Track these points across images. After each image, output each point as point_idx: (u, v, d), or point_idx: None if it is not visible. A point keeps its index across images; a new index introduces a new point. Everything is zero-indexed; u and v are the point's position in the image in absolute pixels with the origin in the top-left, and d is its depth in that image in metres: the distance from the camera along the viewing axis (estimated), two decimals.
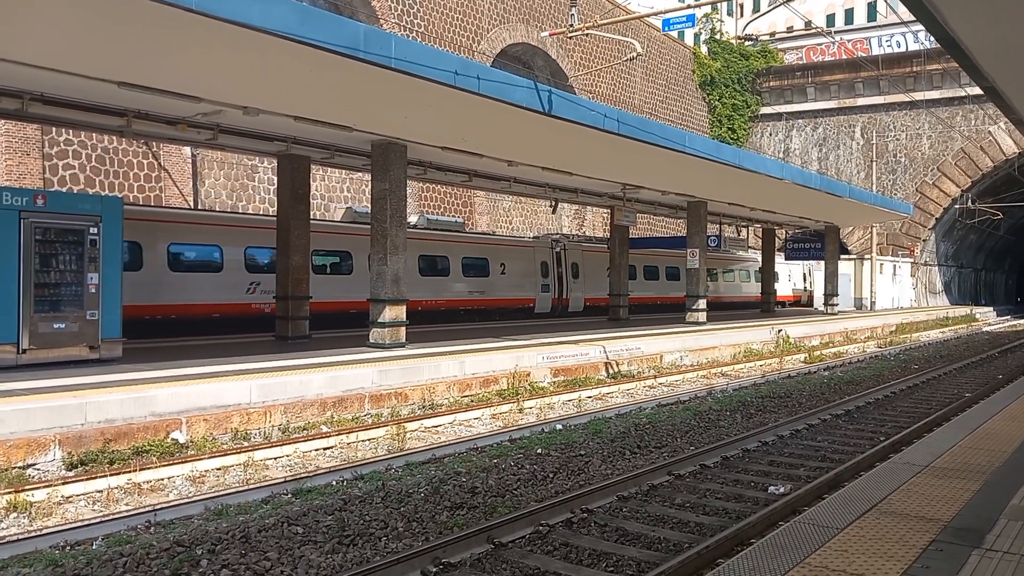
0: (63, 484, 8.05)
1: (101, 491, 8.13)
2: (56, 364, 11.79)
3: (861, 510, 5.37)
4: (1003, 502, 5.57)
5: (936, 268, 50.28)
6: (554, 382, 15.62)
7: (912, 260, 46.62)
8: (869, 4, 55.09)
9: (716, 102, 50.16)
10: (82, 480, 8.23)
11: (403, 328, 15.90)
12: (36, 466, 8.65)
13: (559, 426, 11.72)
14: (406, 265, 16.11)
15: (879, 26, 51.18)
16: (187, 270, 17.84)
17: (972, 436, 7.95)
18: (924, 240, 46.37)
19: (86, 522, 7.28)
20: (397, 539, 6.61)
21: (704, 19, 50.80)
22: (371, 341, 15.71)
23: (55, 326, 11.89)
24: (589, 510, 7.36)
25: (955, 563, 4.38)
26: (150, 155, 22.59)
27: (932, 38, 8.62)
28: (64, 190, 19.71)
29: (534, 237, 30.33)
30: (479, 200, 34.16)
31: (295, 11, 9.91)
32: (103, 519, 7.35)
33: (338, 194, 28.40)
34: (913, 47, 46.50)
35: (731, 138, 49.16)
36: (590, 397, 14.89)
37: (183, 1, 8.51)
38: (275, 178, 19.12)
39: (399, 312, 15.79)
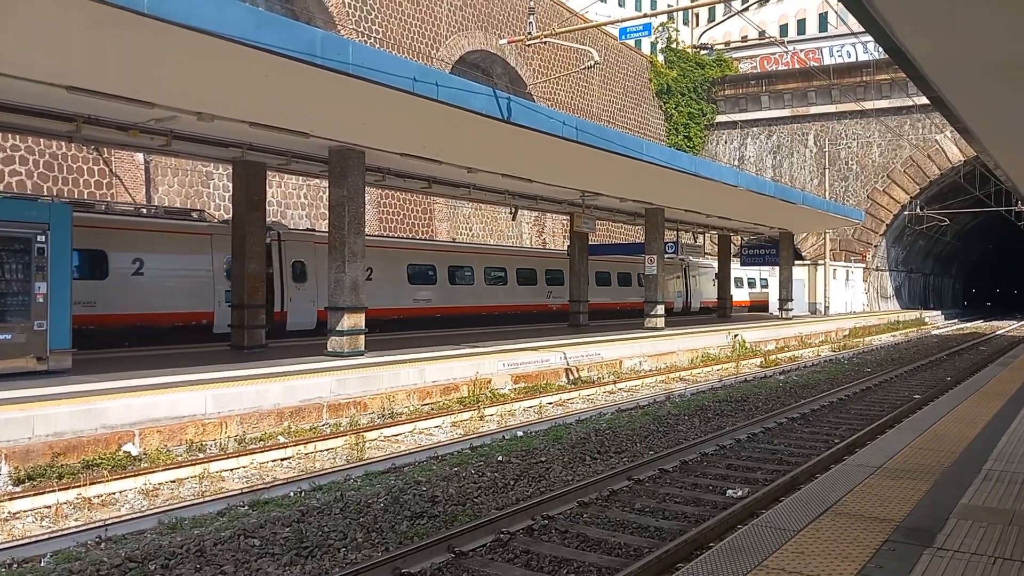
0: (10, 500, 7.81)
1: (50, 506, 7.90)
2: (2, 376, 11.44)
3: (817, 512, 5.46)
4: (953, 502, 5.71)
5: (887, 273, 51.49)
6: (515, 388, 15.61)
7: (864, 265, 47.67)
8: (820, 15, 56.31)
9: (673, 110, 50.80)
10: (29, 495, 7.99)
11: (362, 336, 15.76)
12: None
13: (520, 433, 11.71)
14: (364, 273, 15.98)
15: (830, 36, 52.31)
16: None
17: (923, 437, 8.14)
18: (875, 246, 47.46)
19: (34, 538, 7.05)
20: (356, 550, 6.53)
21: (660, 28, 51.50)
22: (329, 350, 15.55)
23: (1, 337, 11.54)
24: (550, 517, 7.36)
25: (907, 562, 4.47)
26: (101, 161, 22.10)
27: (881, 49, 8.83)
28: (10, 196, 19.17)
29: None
30: (439, 207, 34.08)
31: (251, 15, 9.78)
32: (52, 535, 7.13)
33: (295, 201, 28.09)
34: (863, 57, 47.63)
35: (687, 146, 49.81)
36: (551, 403, 14.91)
37: (133, 4, 8.34)
38: (230, 184, 18.84)
39: (358, 320, 15.66)
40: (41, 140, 19.98)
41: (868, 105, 45.22)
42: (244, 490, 8.71)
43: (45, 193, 20.33)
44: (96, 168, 21.98)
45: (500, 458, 9.75)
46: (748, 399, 14.99)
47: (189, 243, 18.55)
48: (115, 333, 16.97)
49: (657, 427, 12.01)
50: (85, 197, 21.19)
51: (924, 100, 12.19)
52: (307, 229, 24.06)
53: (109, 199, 21.67)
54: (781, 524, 5.19)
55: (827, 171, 47.63)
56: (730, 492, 8.42)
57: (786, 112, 49.36)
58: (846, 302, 45.80)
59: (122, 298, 17.00)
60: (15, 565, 6.26)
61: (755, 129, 50.55)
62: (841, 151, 47.82)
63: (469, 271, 26.30)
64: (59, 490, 8.10)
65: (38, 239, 11.88)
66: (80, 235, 14.58)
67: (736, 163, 49.86)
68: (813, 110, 48.51)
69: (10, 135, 19.18)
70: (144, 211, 20.67)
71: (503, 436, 11.42)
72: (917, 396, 15.50)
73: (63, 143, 20.30)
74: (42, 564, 6.27)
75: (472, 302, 26.37)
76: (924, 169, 45.29)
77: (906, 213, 45.99)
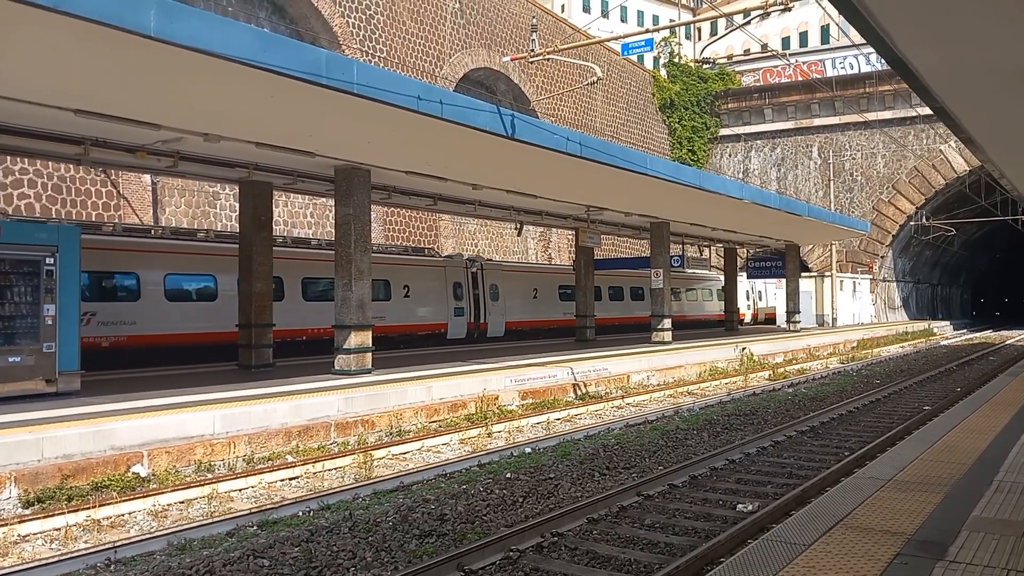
0: (19, 523, 7.81)
1: (59, 529, 7.90)
2: (11, 399, 11.47)
3: (827, 525, 5.43)
4: (965, 514, 5.67)
5: (894, 284, 51.33)
6: (522, 405, 15.58)
7: (871, 276, 47.54)
8: (823, 27, 56.53)
9: (676, 124, 50.93)
10: (39, 518, 7.99)
11: (369, 354, 15.77)
12: None
13: (528, 449, 11.68)
14: (371, 291, 16.02)
15: (833, 48, 52.49)
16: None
17: (933, 449, 8.09)
18: (882, 257, 47.35)
19: (43, 562, 7.06)
20: (365, 569, 6.51)
21: (663, 43, 51.71)
22: (336, 368, 15.56)
23: (10, 359, 11.58)
24: (559, 534, 7.33)
25: None
26: (109, 183, 22.25)
27: (884, 60, 8.86)
28: (19, 219, 19.31)
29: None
30: (444, 224, 34.18)
31: (256, 37, 9.88)
32: (61, 558, 7.13)
33: (301, 220, 28.21)
34: (866, 69, 47.74)
35: (691, 159, 49.89)
36: (559, 419, 14.88)
37: (141, 27, 8.44)
38: (237, 204, 18.93)
39: (365, 338, 15.67)
40: (49, 163, 20.14)
41: (872, 116, 45.26)
42: (253, 510, 8.70)
43: (53, 215, 20.49)
44: (104, 190, 22.13)
45: (508, 475, 9.72)
46: (757, 412, 14.93)
47: (431, 272, 24.66)
48: (397, 339, 23.04)
49: (666, 442, 11.97)
50: (123, 222, 21.34)
51: (928, 111, 12.20)
52: (499, 261, 30.31)
53: (117, 220, 21.82)
54: (792, 538, 5.17)
55: (832, 183, 47.63)
56: (740, 506, 8.38)
57: (790, 124, 49.44)
58: (853, 313, 45.63)
59: (398, 313, 23.14)
60: None
61: (759, 142, 50.62)
62: (845, 162, 47.82)
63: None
64: (68, 512, 8.11)
65: (47, 261, 11.95)
66: (379, 270, 20.83)
67: (740, 176, 49.91)
68: (817, 122, 48.57)
69: (19, 158, 19.34)
70: (406, 249, 27.28)
71: (511, 453, 11.39)
72: (927, 408, 15.42)
73: (71, 166, 20.46)
74: None
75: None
76: (929, 179, 45.25)
77: (912, 224, 45.91)
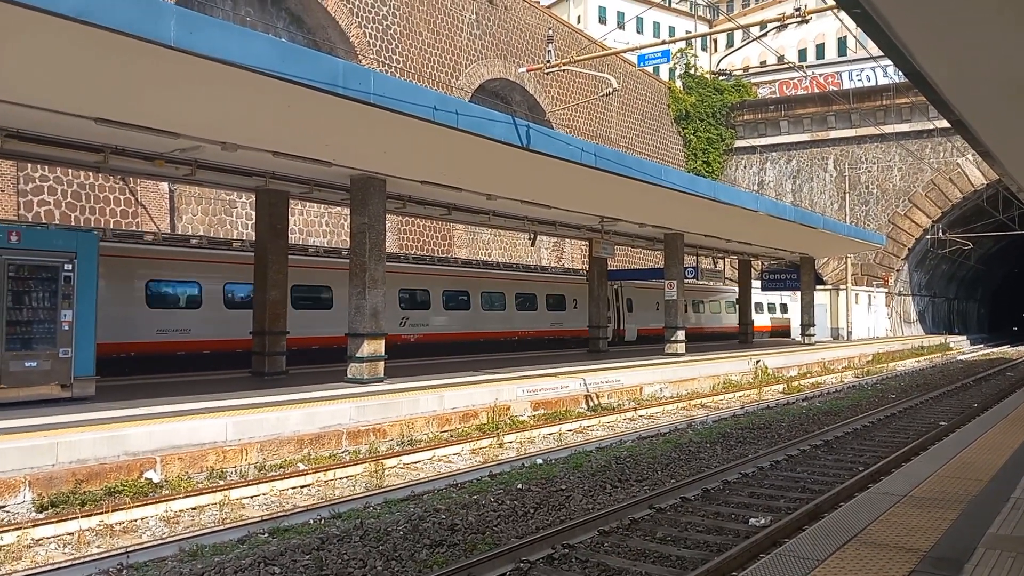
0: (33, 527, 7.86)
1: (72, 533, 7.95)
2: (27, 403, 11.57)
3: (841, 541, 5.38)
4: (981, 531, 5.60)
5: (910, 298, 50.93)
6: (534, 415, 15.56)
7: (887, 290, 47.21)
8: (840, 39, 56.44)
9: (691, 136, 50.90)
10: (53, 522, 8.05)
11: (381, 363, 15.80)
12: (5, 508, 8.45)
13: (540, 460, 11.65)
14: (384, 299, 16.06)
15: (849, 60, 52.37)
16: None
17: (949, 465, 8.01)
18: (898, 270, 47.02)
19: (56, 566, 7.10)
20: None
21: (679, 54, 51.80)
22: (349, 376, 15.59)
23: (26, 364, 11.69)
24: (570, 546, 7.30)
25: None
26: (127, 190, 22.47)
27: (901, 73, 8.83)
28: (39, 226, 19.53)
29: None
30: (458, 233, 34.26)
31: (275, 47, 9.97)
32: (74, 562, 7.17)
33: (317, 228, 28.36)
34: (883, 81, 47.58)
35: (706, 171, 49.81)
36: (570, 430, 14.83)
37: (161, 37, 8.54)
38: (253, 213, 19.07)
39: (378, 347, 15.71)
40: (69, 171, 20.37)
41: (888, 129, 45.05)
42: (264, 517, 8.72)
43: (72, 222, 20.70)
44: (123, 197, 22.35)
45: (520, 486, 9.70)
46: (771, 426, 14.83)
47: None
48: (569, 341, 29.44)
49: (678, 455, 11.90)
50: (122, 227, 21.55)
51: (945, 123, 12.15)
52: (634, 280, 33.09)
53: (135, 227, 22.02)
54: (805, 553, 5.12)
55: (847, 195, 47.39)
56: (753, 521, 8.31)
57: (805, 137, 49.29)
58: (869, 327, 45.30)
59: (573, 321, 29.76)
60: None
61: (774, 154, 50.49)
62: (861, 175, 47.60)
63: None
64: (81, 517, 8.15)
65: (65, 267, 12.07)
66: (560, 287, 29.55)
67: (756, 188, 49.77)
68: (833, 134, 48.40)
69: (40, 166, 19.57)
70: (570, 271, 32.47)
71: (522, 464, 11.37)
72: (943, 423, 15.26)
73: (90, 173, 20.69)
74: None
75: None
76: (946, 193, 44.95)
77: (928, 237, 45.59)
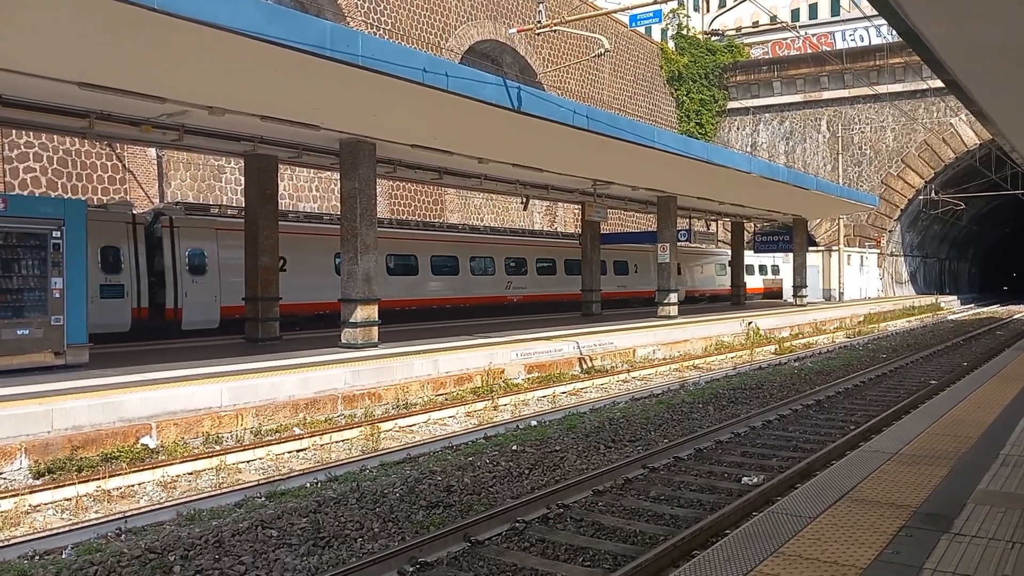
0: (30, 493, 7.90)
1: (70, 499, 7.99)
2: (21, 371, 11.56)
3: (833, 498, 5.44)
4: (970, 487, 5.68)
5: (902, 258, 51.10)
6: (528, 378, 15.64)
7: (879, 251, 47.33)
8: None
9: (684, 97, 50.50)
10: (50, 488, 8.08)
11: (375, 328, 15.81)
12: (2, 475, 8.48)
13: (534, 422, 11.73)
14: (377, 264, 16.00)
15: (843, 20, 51.82)
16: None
17: (939, 423, 8.10)
18: (890, 231, 47.09)
19: (55, 531, 7.15)
20: (373, 539, 6.57)
21: (671, 15, 51.11)
22: (343, 341, 15.61)
23: (19, 332, 11.65)
24: (565, 505, 7.38)
25: (925, 548, 4.46)
26: (114, 157, 22.21)
27: (895, 32, 8.73)
28: (25, 194, 19.32)
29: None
30: (450, 197, 34.08)
31: (262, 10, 9.78)
32: (72, 527, 7.22)
33: (307, 193, 28.16)
34: (876, 41, 47.15)
35: (699, 133, 49.52)
36: (564, 393, 14.93)
37: (145, 0, 8.37)
38: (242, 178, 18.90)
39: (371, 312, 15.70)
40: (55, 137, 20.11)
41: (882, 89, 44.79)
42: (261, 481, 8.78)
43: (59, 190, 20.50)
44: (109, 164, 22.10)
45: (514, 447, 9.77)
46: (762, 386, 14.95)
47: (647, 255, 33.51)
48: (631, 301, 32.79)
49: (671, 415, 12.00)
50: (109, 194, 21.35)
51: (939, 83, 12.06)
52: (682, 245, 32.94)
53: (123, 194, 21.83)
54: (797, 511, 5.19)
55: (840, 156, 47.26)
56: (745, 479, 8.42)
57: (798, 98, 48.96)
58: (860, 288, 45.50)
59: (637, 284, 33.69)
60: (37, 557, 6.34)
61: (767, 115, 50.19)
62: (854, 136, 47.42)
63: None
64: (79, 483, 8.19)
65: (54, 235, 11.97)
66: (628, 255, 33.43)
67: (749, 150, 49.56)
68: (826, 95, 48.09)
69: (24, 132, 19.31)
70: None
71: (517, 426, 11.45)
72: (933, 381, 15.41)
73: (76, 139, 20.43)
74: (63, 556, 6.36)
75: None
76: (939, 153, 44.85)
77: (921, 198, 45.60)
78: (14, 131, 19.11)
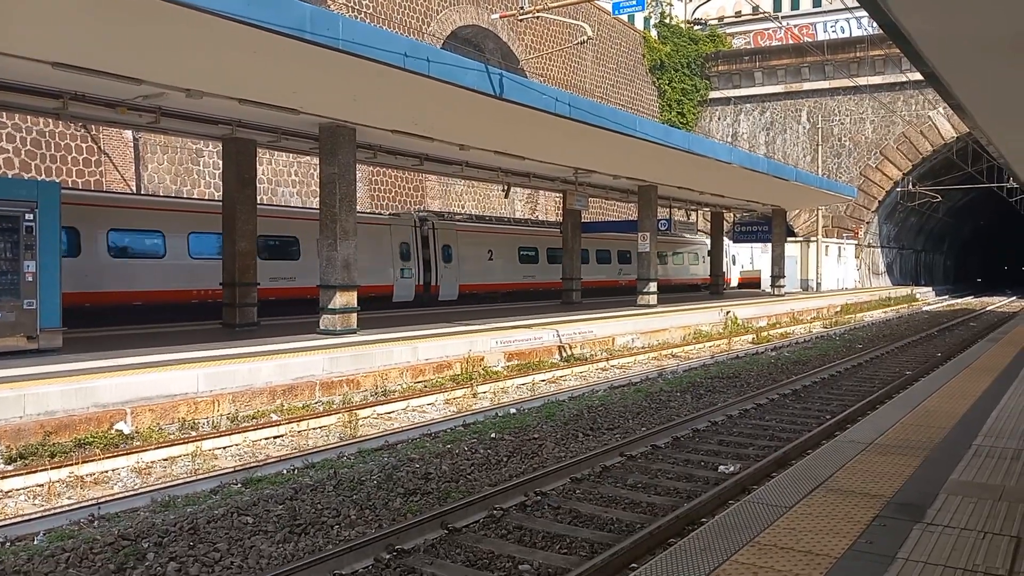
0: (1, 479, 7.79)
1: (42, 485, 7.89)
2: None
3: (808, 488, 5.48)
4: (943, 477, 5.75)
5: (879, 250, 51.60)
6: (508, 366, 15.64)
7: (856, 242, 47.74)
8: None
9: (666, 86, 50.50)
10: (21, 474, 7.98)
11: (354, 314, 15.73)
12: None
13: (513, 410, 11.74)
14: (355, 251, 15.91)
15: (824, 11, 52.07)
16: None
17: (913, 413, 8.18)
18: (868, 222, 47.51)
19: (26, 517, 7.06)
20: (350, 527, 6.55)
21: (654, 3, 51.00)
22: (321, 328, 15.52)
23: None
24: (543, 493, 7.40)
25: (898, 538, 4.50)
26: (89, 139, 21.86)
27: (875, 25, 8.76)
28: None
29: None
30: (431, 184, 33.91)
31: None
32: (44, 513, 7.13)
33: (286, 178, 27.90)
34: (857, 33, 47.42)
35: (681, 122, 49.60)
36: (544, 380, 14.95)
37: None
38: (220, 162, 18.69)
39: (350, 298, 15.61)
40: (28, 117, 19.74)
41: (862, 81, 45.04)
42: (237, 468, 8.72)
43: (32, 172, 20.14)
44: (84, 146, 21.76)
45: (493, 435, 9.78)
46: (740, 375, 15.05)
47: (700, 249, 38.73)
48: (677, 287, 36.20)
49: (649, 404, 12.06)
50: (84, 176, 21.02)
51: (918, 76, 12.12)
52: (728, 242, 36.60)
53: (98, 177, 21.51)
54: (773, 500, 5.22)
55: (820, 147, 47.54)
56: (722, 468, 8.47)
57: (779, 88, 49.14)
58: (838, 279, 45.92)
59: (682, 274, 37.44)
60: (8, 544, 6.26)
61: (748, 105, 50.34)
62: (834, 127, 47.70)
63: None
64: (51, 468, 8.09)
65: (26, 217, 11.76)
66: (681, 248, 36.59)
67: (729, 140, 49.71)
68: (807, 86, 48.30)
69: None
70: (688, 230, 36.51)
71: (496, 413, 11.45)
72: (908, 372, 15.59)
73: (50, 120, 20.07)
74: (35, 542, 6.28)
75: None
76: (917, 145, 45.25)
77: (898, 190, 46.01)
78: None
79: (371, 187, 30.50)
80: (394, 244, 23.36)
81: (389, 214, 26.11)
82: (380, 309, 21.74)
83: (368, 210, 28.43)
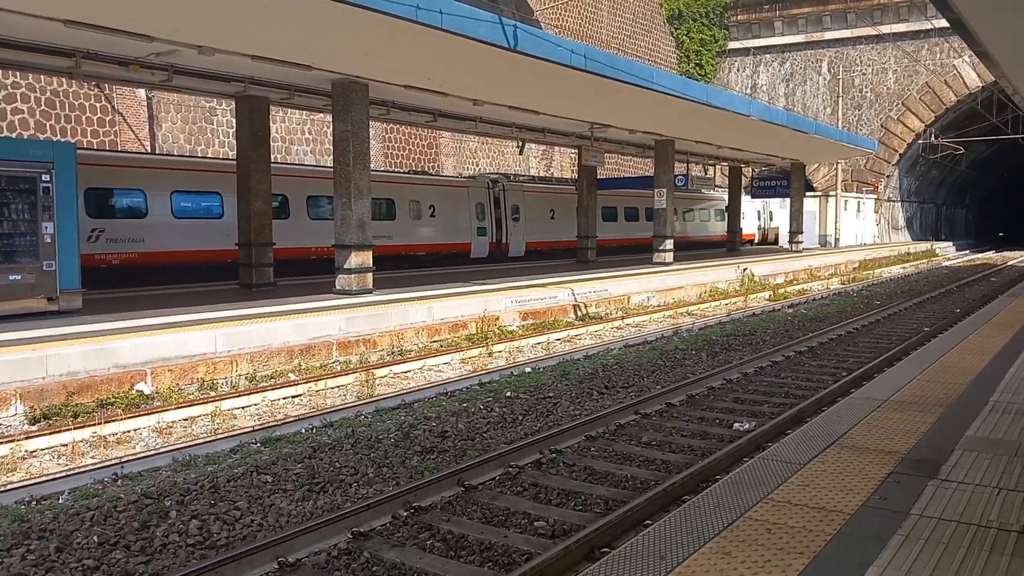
0: (26, 439, 7.94)
1: (66, 445, 8.04)
2: (13, 317, 11.52)
3: (823, 445, 5.48)
4: (959, 433, 5.72)
5: (899, 204, 50.88)
6: (523, 325, 15.66)
7: (876, 196, 47.09)
8: None
9: (684, 37, 49.54)
10: (46, 434, 8.13)
11: (370, 274, 15.76)
12: None
13: (528, 369, 11.79)
14: (370, 209, 15.87)
15: None
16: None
17: (930, 370, 8.14)
18: (888, 176, 46.78)
19: (51, 476, 7.21)
20: (368, 485, 6.64)
21: None
22: (337, 288, 15.57)
23: (11, 277, 11.57)
24: (558, 450, 7.45)
25: (912, 494, 4.50)
26: (103, 98, 21.82)
27: None
28: (13, 136, 19.03)
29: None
30: (445, 141, 33.68)
31: None
32: (69, 473, 7.28)
33: (299, 136, 27.79)
34: None
35: (699, 74, 48.74)
36: (559, 339, 14.97)
37: None
38: (234, 121, 18.63)
39: (365, 258, 15.63)
40: (42, 77, 19.71)
41: (885, 29, 43.96)
42: (256, 427, 8.84)
43: (47, 131, 20.17)
44: (98, 105, 21.72)
45: (508, 394, 9.83)
46: (756, 333, 15.01)
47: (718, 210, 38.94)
48: (701, 244, 36.74)
49: (664, 362, 12.06)
50: (99, 136, 21.03)
51: (943, 23, 11.80)
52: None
53: (113, 136, 21.51)
54: (787, 457, 5.23)
55: (840, 99, 46.64)
56: (737, 426, 8.49)
57: (800, 38, 48.05)
58: (857, 234, 45.41)
59: (700, 231, 37.70)
60: (34, 502, 6.40)
61: (768, 56, 49.34)
62: (855, 78, 46.73)
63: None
64: (74, 428, 8.24)
65: (43, 178, 11.80)
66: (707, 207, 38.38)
67: (748, 92, 48.87)
68: (828, 35, 47.19)
69: (10, 72, 18.91)
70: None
71: (511, 372, 11.51)
72: (926, 328, 15.48)
73: (64, 80, 20.02)
74: (60, 501, 6.41)
75: None
76: (940, 96, 44.27)
77: (920, 142, 45.16)
78: (0, 71, 18.71)
79: (384, 144, 30.34)
80: (471, 205, 25.37)
81: (465, 177, 28.44)
82: (459, 265, 24.15)
83: (381, 167, 28.29)
